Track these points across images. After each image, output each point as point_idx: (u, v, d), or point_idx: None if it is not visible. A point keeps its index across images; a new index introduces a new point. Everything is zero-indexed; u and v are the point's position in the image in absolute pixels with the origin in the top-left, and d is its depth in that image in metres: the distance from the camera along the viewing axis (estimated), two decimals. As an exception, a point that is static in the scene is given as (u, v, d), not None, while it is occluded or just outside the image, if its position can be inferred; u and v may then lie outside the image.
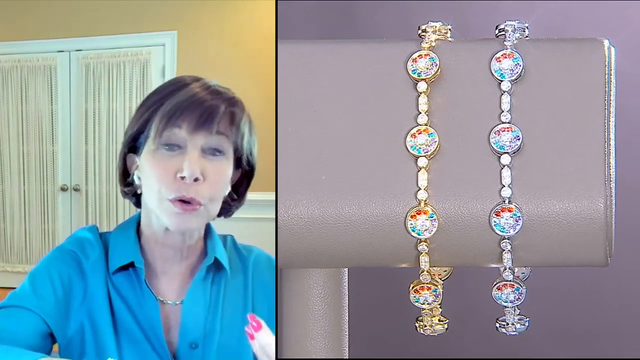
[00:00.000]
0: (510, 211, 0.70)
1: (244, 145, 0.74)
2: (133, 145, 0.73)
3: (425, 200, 0.71)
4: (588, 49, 0.74)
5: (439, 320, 0.75)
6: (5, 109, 2.38)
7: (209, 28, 2.17)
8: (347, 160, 0.72)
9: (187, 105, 0.71)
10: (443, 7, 1.51)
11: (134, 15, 2.26)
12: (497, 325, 0.76)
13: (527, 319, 0.75)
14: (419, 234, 0.70)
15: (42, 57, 2.37)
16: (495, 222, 0.70)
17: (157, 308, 0.73)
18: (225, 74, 2.13)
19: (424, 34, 0.74)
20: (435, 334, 0.76)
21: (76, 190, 2.35)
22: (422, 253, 0.71)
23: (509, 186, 0.71)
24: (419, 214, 0.71)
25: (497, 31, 0.75)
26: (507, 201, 0.71)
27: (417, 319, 0.76)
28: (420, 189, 0.71)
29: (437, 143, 0.72)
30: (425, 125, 0.72)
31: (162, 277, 0.75)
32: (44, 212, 2.39)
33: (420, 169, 0.71)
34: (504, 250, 0.71)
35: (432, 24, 0.75)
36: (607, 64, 0.74)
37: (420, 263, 0.72)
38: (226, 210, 0.77)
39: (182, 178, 0.70)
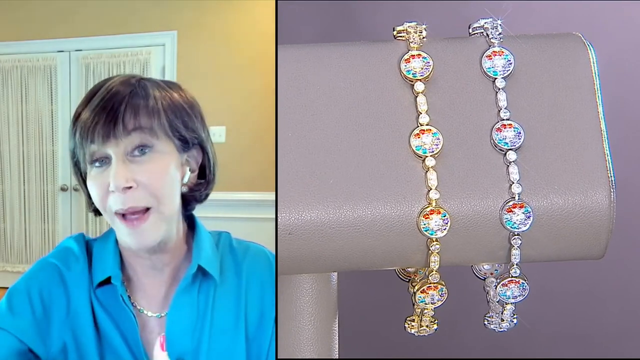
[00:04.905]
0: (522, 207, 0.71)
1: (174, 126, 0.70)
2: (77, 162, 0.70)
3: (437, 200, 0.71)
4: (571, 43, 0.75)
5: (431, 320, 0.75)
6: (5, 109, 2.38)
7: (209, 28, 2.17)
8: (352, 164, 0.72)
9: (92, 119, 0.68)
10: (443, 7, 1.50)
11: (134, 15, 2.25)
12: (486, 322, 0.77)
13: (516, 315, 0.76)
14: (431, 234, 0.70)
15: (42, 57, 2.36)
16: (506, 218, 0.71)
17: (134, 323, 0.71)
18: (225, 74, 2.13)
19: (400, 34, 0.74)
20: (426, 334, 0.76)
21: (76, 190, 2.35)
22: (433, 253, 0.71)
23: (518, 182, 0.71)
24: (432, 213, 0.70)
25: (470, 30, 0.75)
26: (517, 197, 0.71)
27: (406, 319, 0.76)
28: (431, 188, 0.71)
29: (441, 142, 0.72)
30: (428, 125, 0.72)
31: (146, 288, 0.72)
32: (44, 212, 2.39)
33: (429, 168, 0.71)
34: (513, 246, 0.71)
35: (409, 24, 0.75)
36: (591, 57, 0.74)
37: (430, 263, 0.72)
38: (195, 197, 0.73)
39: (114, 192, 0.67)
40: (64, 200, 2.37)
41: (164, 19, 2.23)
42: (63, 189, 2.36)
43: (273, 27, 1.97)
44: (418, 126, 0.72)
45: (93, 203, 0.71)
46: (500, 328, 0.76)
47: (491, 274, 0.77)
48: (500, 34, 0.74)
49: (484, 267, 0.76)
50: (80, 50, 2.33)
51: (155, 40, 2.25)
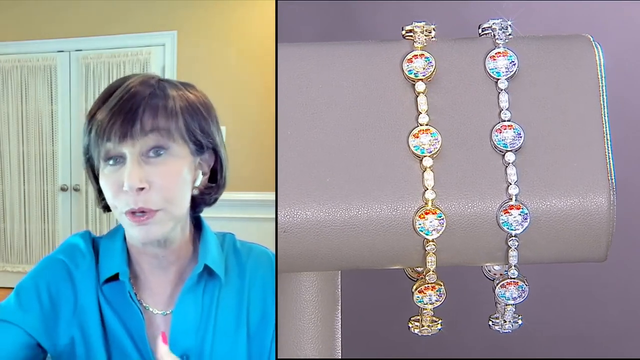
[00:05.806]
0: (518, 209, 0.70)
1: (190, 130, 0.70)
2: (90, 158, 0.71)
3: (433, 200, 0.71)
4: (578, 45, 0.74)
5: (433, 320, 0.75)
6: (5, 109, 2.38)
7: (209, 28, 2.17)
8: (350, 163, 0.72)
9: (109, 118, 0.68)
10: (442, 8, 1.50)
11: (134, 15, 2.26)
12: (490, 323, 0.76)
13: (521, 316, 0.76)
14: (427, 234, 0.70)
15: (42, 57, 2.36)
16: (503, 220, 0.70)
17: (142, 320, 0.71)
18: (225, 74, 2.13)
19: (409, 34, 0.74)
20: (430, 334, 0.76)
21: (76, 190, 2.35)
22: (429, 253, 0.71)
23: (515, 184, 0.71)
24: (427, 213, 0.70)
25: (480, 30, 0.75)
26: (514, 199, 0.71)
27: (410, 319, 0.76)
28: (427, 189, 0.71)
29: (439, 143, 0.72)
30: (427, 125, 0.72)
31: (152, 286, 0.73)
32: (44, 212, 2.39)
33: (426, 169, 0.71)
34: (510, 248, 0.71)
35: (417, 24, 0.75)
36: (597, 59, 0.74)
37: (427, 263, 0.72)
38: (205, 200, 0.74)
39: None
40: (64, 200, 2.37)
41: (164, 19, 2.23)
42: (63, 189, 2.36)
43: (273, 27, 1.97)
44: (417, 126, 0.72)
45: (103, 199, 0.71)
46: (504, 329, 0.76)
47: (501, 274, 0.76)
48: (510, 34, 0.74)
49: (495, 267, 0.76)
50: (80, 50, 2.33)
51: (155, 40, 2.25)
